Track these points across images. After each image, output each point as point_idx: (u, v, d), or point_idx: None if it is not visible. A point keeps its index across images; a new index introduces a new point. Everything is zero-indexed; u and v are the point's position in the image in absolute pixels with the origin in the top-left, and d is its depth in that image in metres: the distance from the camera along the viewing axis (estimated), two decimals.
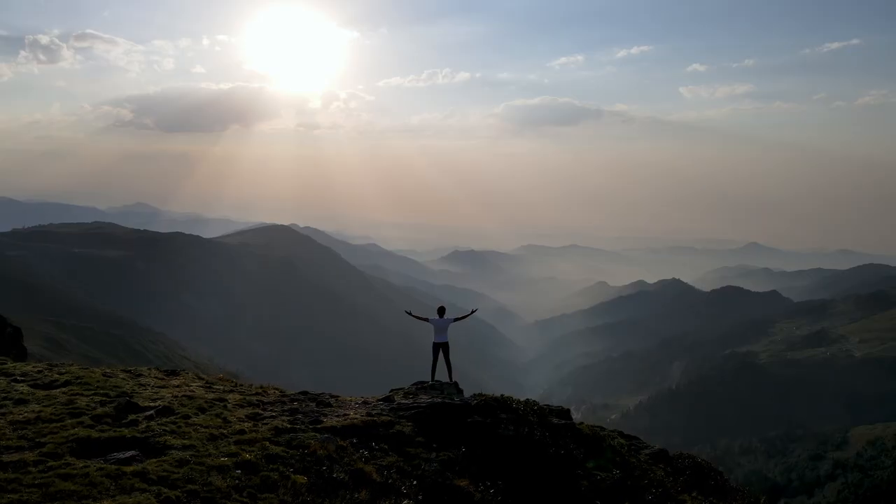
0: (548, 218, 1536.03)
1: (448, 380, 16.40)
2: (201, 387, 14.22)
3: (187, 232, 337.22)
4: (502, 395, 15.82)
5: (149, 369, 16.13)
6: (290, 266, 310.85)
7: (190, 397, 12.55)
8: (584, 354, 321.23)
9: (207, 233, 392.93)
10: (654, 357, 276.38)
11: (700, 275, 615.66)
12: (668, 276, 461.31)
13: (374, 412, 13.24)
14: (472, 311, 18.20)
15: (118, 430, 10.04)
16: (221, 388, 14.49)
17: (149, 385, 13.69)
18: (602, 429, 17.98)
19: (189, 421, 10.93)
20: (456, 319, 17.13)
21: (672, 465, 17.20)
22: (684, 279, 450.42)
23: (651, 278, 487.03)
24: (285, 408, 13.02)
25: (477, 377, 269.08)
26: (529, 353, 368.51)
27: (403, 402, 14.13)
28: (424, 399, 14.38)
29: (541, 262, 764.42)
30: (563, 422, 15.70)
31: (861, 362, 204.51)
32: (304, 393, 15.02)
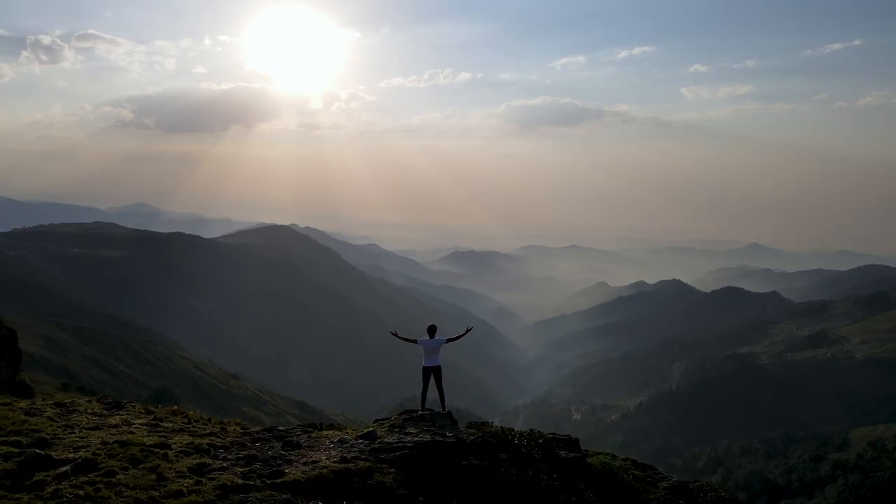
0: (548, 218, 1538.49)
1: (440, 409, 14.81)
2: (145, 425, 11.93)
3: (188, 232, 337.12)
4: (502, 429, 13.99)
5: (89, 401, 13.88)
6: (290, 266, 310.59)
7: (124, 444, 10.10)
8: (584, 355, 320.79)
9: (208, 233, 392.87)
10: (654, 358, 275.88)
11: (700, 275, 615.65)
12: (668, 277, 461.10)
13: (351, 455, 11.12)
14: (468, 330, 16.33)
15: (15, 496, 7.79)
16: (170, 426, 12.21)
17: (79, 425, 11.26)
18: (613, 456, 16.45)
19: (113, 479, 8.56)
20: (449, 340, 15.35)
21: (693, 500, 15.55)
22: (684, 280, 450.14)
23: (651, 279, 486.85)
24: (242, 453, 10.71)
25: (477, 377, 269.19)
26: (530, 354, 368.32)
27: (387, 440, 12.04)
28: (411, 434, 12.41)
29: (541, 262, 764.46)
30: (571, 455, 13.88)
31: (862, 363, 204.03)
32: (270, 430, 12.89)
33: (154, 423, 12.27)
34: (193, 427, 12.30)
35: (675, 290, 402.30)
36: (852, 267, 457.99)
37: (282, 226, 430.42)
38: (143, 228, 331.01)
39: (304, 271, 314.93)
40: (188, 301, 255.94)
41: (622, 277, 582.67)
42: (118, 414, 12.82)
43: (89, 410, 12.80)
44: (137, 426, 11.71)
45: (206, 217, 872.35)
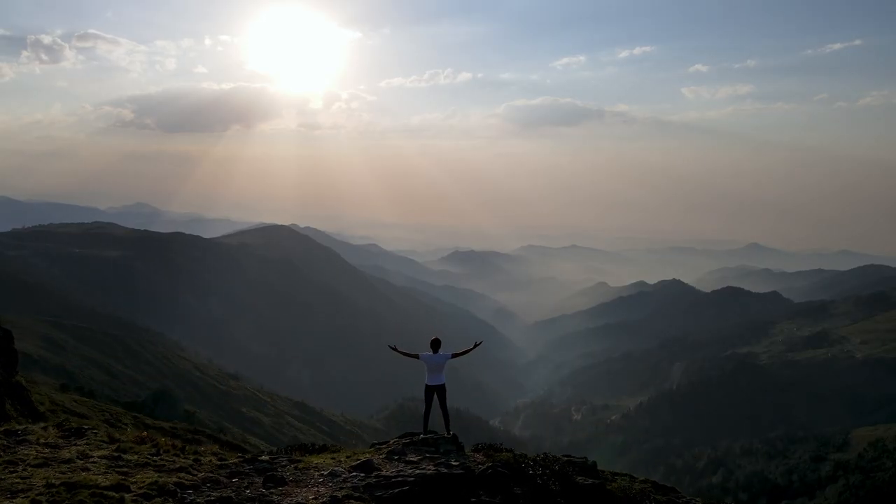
0: (548, 218, 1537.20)
1: (445, 432, 13.38)
2: (105, 458, 10.00)
3: (187, 232, 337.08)
4: (514, 456, 12.58)
5: (45, 427, 11.97)
6: (290, 266, 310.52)
7: (73, 486, 8.28)
8: (585, 355, 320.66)
9: (208, 233, 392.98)
10: (654, 358, 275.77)
11: (700, 275, 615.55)
12: (669, 277, 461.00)
13: (343, 492, 9.55)
14: (476, 345, 14.67)
15: None
16: (134, 458, 10.26)
17: (25, 461, 9.48)
18: (632, 478, 15.54)
19: None
20: (454, 355, 14.02)
21: None
22: (684, 280, 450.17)
23: (651, 279, 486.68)
24: (215, 495, 9.08)
25: (477, 378, 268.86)
26: (530, 354, 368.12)
27: (385, 472, 10.52)
28: (413, 463, 11.01)
29: (541, 262, 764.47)
30: (589, 481, 12.73)
31: (862, 363, 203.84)
32: (251, 461, 10.96)
33: (116, 454, 10.36)
34: (162, 459, 10.45)
35: (675, 290, 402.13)
36: (852, 267, 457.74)
37: (282, 226, 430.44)
38: (142, 228, 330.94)
39: (304, 271, 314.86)
40: (188, 301, 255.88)
41: (622, 277, 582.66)
42: (76, 444, 10.84)
43: (42, 440, 10.88)
44: (95, 460, 9.86)
45: (206, 217, 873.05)
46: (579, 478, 12.55)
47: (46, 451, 10.18)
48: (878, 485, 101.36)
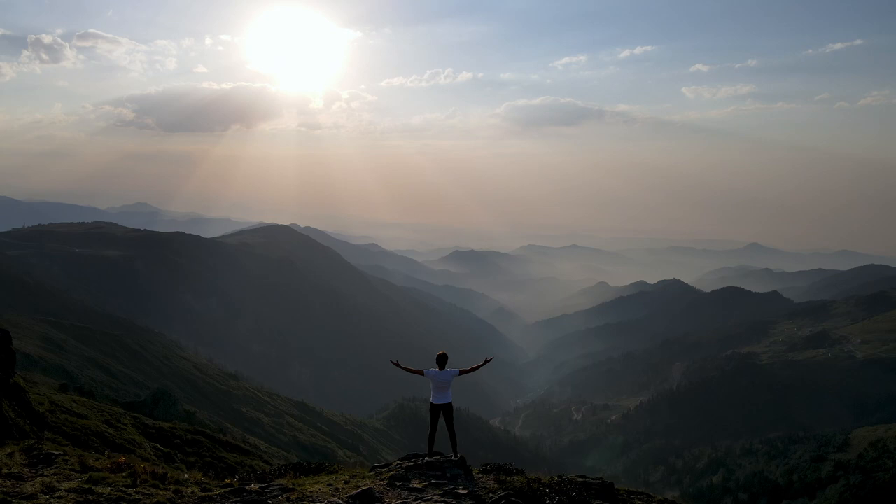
0: (548, 218, 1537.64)
1: (451, 454, 12.47)
2: (73, 491, 8.56)
3: (187, 232, 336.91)
4: (528, 482, 11.56)
5: (10, 453, 10.53)
6: (290, 266, 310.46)
7: None
8: (585, 355, 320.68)
9: (208, 233, 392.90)
10: (654, 358, 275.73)
11: (700, 275, 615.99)
12: (669, 277, 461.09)
13: None
14: (486, 361, 13.46)
15: None
16: (107, 491, 8.82)
17: None
18: (649, 497, 14.78)
19: None
20: (462, 372, 13.01)
21: None
22: (685, 280, 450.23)
23: (651, 279, 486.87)
24: None
25: (477, 378, 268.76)
26: (530, 354, 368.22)
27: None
28: (416, 491, 10.06)
29: (541, 262, 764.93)
30: None
31: (862, 363, 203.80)
32: (240, 492, 9.59)
33: (87, 486, 8.82)
34: (137, 493, 8.96)
35: (675, 290, 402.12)
36: (853, 267, 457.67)
37: (282, 226, 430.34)
38: (142, 228, 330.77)
39: (304, 271, 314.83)
40: (188, 301, 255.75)
41: (622, 277, 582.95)
42: (42, 474, 9.41)
43: (5, 470, 9.41)
44: (62, 494, 8.42)
45: (206, 217, 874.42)
46: (596, 502, 11.61)
47: (8, 483, 8.75)
48: (878, 485, 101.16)
